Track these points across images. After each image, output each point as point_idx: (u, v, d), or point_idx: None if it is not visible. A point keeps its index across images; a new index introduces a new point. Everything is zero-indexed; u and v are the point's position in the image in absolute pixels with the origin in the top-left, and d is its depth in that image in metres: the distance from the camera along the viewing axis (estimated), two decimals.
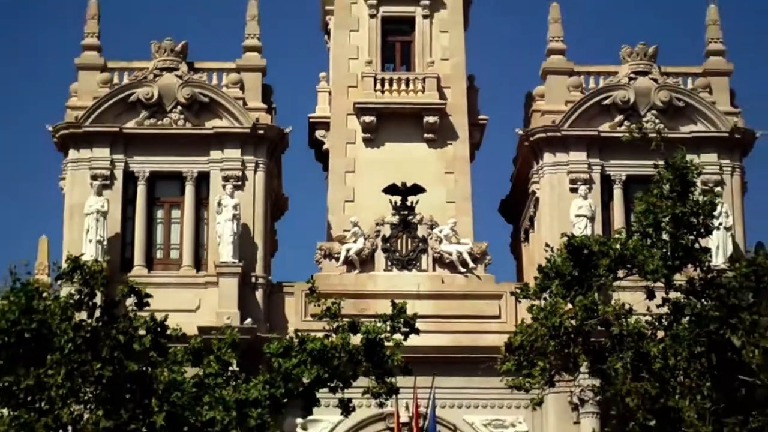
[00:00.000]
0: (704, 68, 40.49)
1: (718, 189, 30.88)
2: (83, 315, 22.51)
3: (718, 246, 33.37)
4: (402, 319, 24.06)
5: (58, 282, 24.69)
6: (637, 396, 21.85)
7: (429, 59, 41.03)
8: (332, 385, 23.86)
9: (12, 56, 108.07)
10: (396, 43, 42.17)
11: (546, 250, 23.90)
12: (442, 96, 40.77)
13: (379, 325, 23.70)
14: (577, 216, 36.98)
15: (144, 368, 22.43)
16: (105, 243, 35.77)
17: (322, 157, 43.47)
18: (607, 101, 38.78)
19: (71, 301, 22.42)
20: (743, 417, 20.43)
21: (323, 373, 23.69)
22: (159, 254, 38.61)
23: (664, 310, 22.01)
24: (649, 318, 22.83)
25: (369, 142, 40.55)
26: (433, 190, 39.25)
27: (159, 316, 23.23)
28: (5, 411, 22.02)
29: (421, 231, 38.74)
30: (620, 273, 22.72)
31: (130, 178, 37.71)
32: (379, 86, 40.97)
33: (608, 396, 24.10)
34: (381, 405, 25.54)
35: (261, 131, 38.19)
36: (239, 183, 37.53)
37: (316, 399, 24.00)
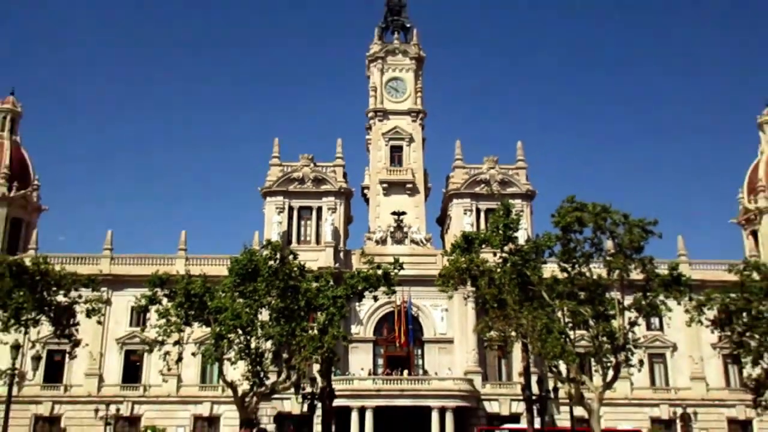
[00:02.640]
0: (516, 165, 61.12)
1: (521, 213, 49.40)
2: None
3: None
4: (396, 267, 38.20)
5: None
6: (503, 275, 36.62)
7: (409, 163, 62.78)
8: (370, 289, 38.50)
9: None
10: (396, 155, 63.16)
11: (454, 236, 46.15)
12: (415, 176, 61.95)
13: (389, 267, 37.97)
14: (466, 224, 56.47)
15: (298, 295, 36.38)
16: (280, 234, 55.62)
17: (367, 200, 65.27)
18: (478, 178, 59.86)
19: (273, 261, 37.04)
20: None
21: (367, 285, 38.13)
22: (303, 238, 59.29)
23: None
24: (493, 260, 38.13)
25: (385, 192, 61.93)
26: (410, 213, 60.32)
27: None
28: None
29: (405, 229, 59.14)
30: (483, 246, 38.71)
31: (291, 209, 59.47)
32: (388, 175, 62.30)
33: (482, 290, 38.97)
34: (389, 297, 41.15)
35: (342, 190, 60.33)
36: (334, 210, 59.46)
37: (363, 295, 39.02)
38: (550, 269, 39.19)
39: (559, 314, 37.00)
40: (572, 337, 37.39)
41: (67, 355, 48.19)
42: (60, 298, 39.79)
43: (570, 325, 37.59)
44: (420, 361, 55.78)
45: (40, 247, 55.98)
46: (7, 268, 38.31)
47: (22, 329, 39.60)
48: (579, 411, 40.11)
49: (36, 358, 40.55)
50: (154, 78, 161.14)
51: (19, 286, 37.79)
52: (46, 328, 42.39)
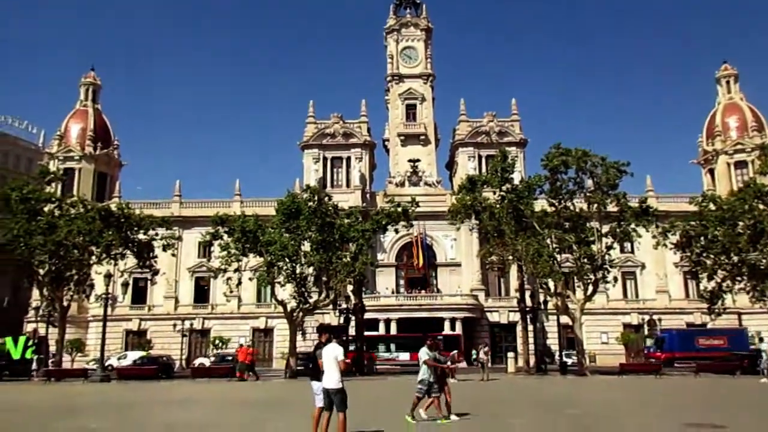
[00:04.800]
0: (512, 118, 60.64)
1: (515, 158, 49.68)
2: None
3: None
4: (413, 205, 38.65)
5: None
6: (501, 210, 36.73)
7: (421, 119, 62.18)
8: (392, 223, 39.07)
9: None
10: (410, 112, 62.63)
11: (461, 178, 46.94)
12: (426, 130, 61.63)
13: (407, 205, 38.37)
14: (470, 168, 56.75)
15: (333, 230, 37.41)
16: (316, 180, 56.14)
17: (388, 150, 64.97)
18: (479, 130, 59.98)
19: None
20: None
21: (390, 220, 38.94)
22: (335, 183, 59.05)
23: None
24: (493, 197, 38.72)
25: (402, 143, 61.81)
26: (424, 160, 59.98)
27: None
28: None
29: (419, 174, 59.11)
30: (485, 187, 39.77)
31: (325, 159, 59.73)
32: (404, 129, 61.95)
33: (484, 223, 39.66)
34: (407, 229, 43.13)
35: (367, 143, 60.72)
36: (360, 160, 59.93)
37: (386, 228, 39.87)
38: (540, 204, 39.12)
39: (548, 241, 37.07)
40: (559, 259, 37.63)
41: (148, 282, 49.59)
42: (141, 236, 40.11)
43: (557, 249, 37.80)
44: (434, 281, 56.33)
45: (122, 196, 56.59)
46: (98, 213, 38.71)
47: (112, 262, 40.30)
48: (565, 319, 40.43)
49: (125, 285, 41.90)
50: (211, 49, 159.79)
51: (107, 227, 38.20)
52: (131, 261, 42.88)
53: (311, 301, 37.93)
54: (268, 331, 54.96)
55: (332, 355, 10.44)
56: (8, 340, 41.20)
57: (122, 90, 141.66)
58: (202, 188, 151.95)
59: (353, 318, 40.56)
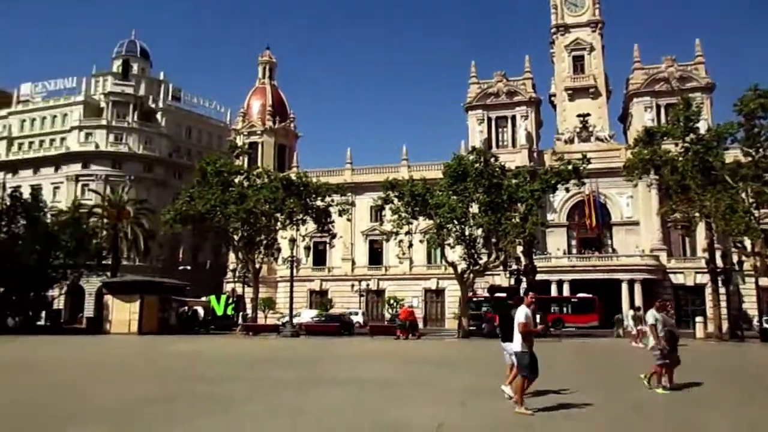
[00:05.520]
0: (695, 61, 54.41)
1: (701, 105, 43.81)
2: None
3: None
4: (584, 162, 36.97)
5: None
6: (686, 163, 33.08)
7: (590, 70, 58.23)
8: (562, 182, 37.48)
9: None
10: (578, 64, 58.84)
11: (636, 131, 43.29)
12: (596, 81, 57.45)
13: (578, 162, 36.85)
14: (647, 119, 52.18)
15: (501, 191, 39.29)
16: (482, 142, 55.42)
17: (554, 106, 61.61)
18: (657, 77, 54.39)
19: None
20: None
21: (559, 179, 37.57)
22: (501, 143, 57.53)
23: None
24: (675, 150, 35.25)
25: (570, 97, 57.96)
26: (593, 114, 55.83)
27: None
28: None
29: (590, 129, 55.52)
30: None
31: (489, 119, 59.44)
32: (572, 82, 58.31)
33: (665, 178, 35.77)
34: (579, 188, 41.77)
35: (532, 99, 58.08)
36: (526, 117, 57.56)
37: (556, 188, 38.17)
38: (733, 155, 35.60)
39: (743, 195, 33.63)
40: (756, 215, 33.89)
41: (327, 245, 52.61)
42: (318, 202, 42.50)
43: (754, 204, 34.18)
44: (609, 242, 53.64)
45: (300, 166, 60.22)
46: (280, 182, 41.66)
47: (295, 227, 43.34)
48: (765, 281, 36.93)
49: (307, 248, 45.16)
50: (373, 18, 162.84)
51: (289, 195, 41.03)
52: (311, 226, 45.58)
53: (481, 262, 37.84)
54: (439, 292, 55.94)
55: (516, 318, 10.41)
56: (212, 298, 47.04)
57: (295, 65, 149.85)
58: (371, 155, 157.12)
59: (524, 279, 39.96)
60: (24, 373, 16.58)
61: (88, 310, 57.79)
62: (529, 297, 10.95)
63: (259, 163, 59.37)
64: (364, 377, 15.38)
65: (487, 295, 44.96)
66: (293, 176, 44.30)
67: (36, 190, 60.50)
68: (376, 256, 58.51)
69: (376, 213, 54.08)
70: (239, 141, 61.42)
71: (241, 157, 48.67)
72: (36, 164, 70.86)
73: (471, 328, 37.40)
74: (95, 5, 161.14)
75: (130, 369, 18.36)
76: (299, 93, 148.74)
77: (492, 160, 38.12)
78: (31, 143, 73.55)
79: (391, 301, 53.16)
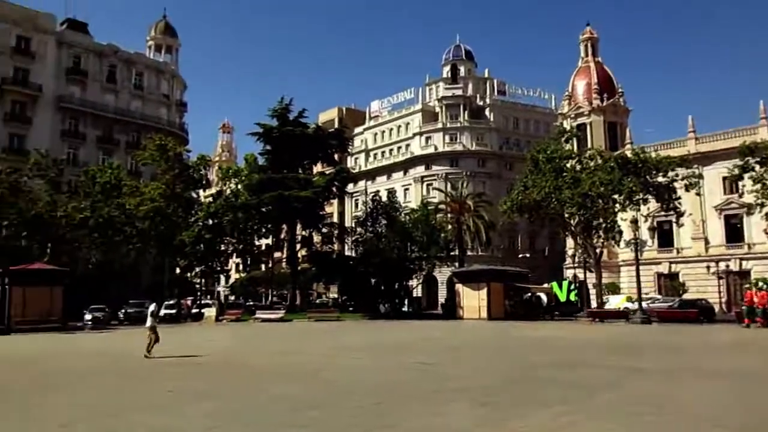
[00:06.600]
0: None
1: None
2: None
3: None
4: None
5: None
6: None
7: None
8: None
9: None
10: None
11: None
12: None
13: None
14: None
15: None
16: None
17: None
18: None
19: None
20: None
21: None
22: None
23: None
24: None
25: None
26: None
27: None
28: None
29: None
30: None
31: None
32: None
33: None
34: None
35: None
36: None
37: None
38: None
39: None
40: None
41: (673, 224, 48.16)
42: (660, 179, 39.66)
43: None
44: None
45: (634, 142, 56.23)
46: (615, 162, 39.87)
47: (636, 208, 40.97)
48: None
49: (651, 229, 42.29)
50: None
51: (626, 174, 39.10)
52: (653, 204, 42.78)
53: None
54: None
55: None
56: (554, 284, 47.52)
57: (617, 38, 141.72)
58: (718, 121, 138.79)
59: None
60: (411, 353, 19.17)
61: (441, 297, 63.38)
62: None
63: (589, 145, 57.09)
64: (738, 370, 13.74)
65: None
66: (629, 153, 42.15)
67: (391, 193, 68.96)
68: (735, 233, 51.34)
69: (731, 184, 47.79)
70: (566, 125, 60.34)
71: (570, 141, 47.96)
72: (388, 170, 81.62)
73: None
74: (421, 15, 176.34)
75: (487, 351, 19.63)
76: (627, 66, 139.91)
77: None
78: (383, 152, 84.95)
79: (760, 284, 45.84)
